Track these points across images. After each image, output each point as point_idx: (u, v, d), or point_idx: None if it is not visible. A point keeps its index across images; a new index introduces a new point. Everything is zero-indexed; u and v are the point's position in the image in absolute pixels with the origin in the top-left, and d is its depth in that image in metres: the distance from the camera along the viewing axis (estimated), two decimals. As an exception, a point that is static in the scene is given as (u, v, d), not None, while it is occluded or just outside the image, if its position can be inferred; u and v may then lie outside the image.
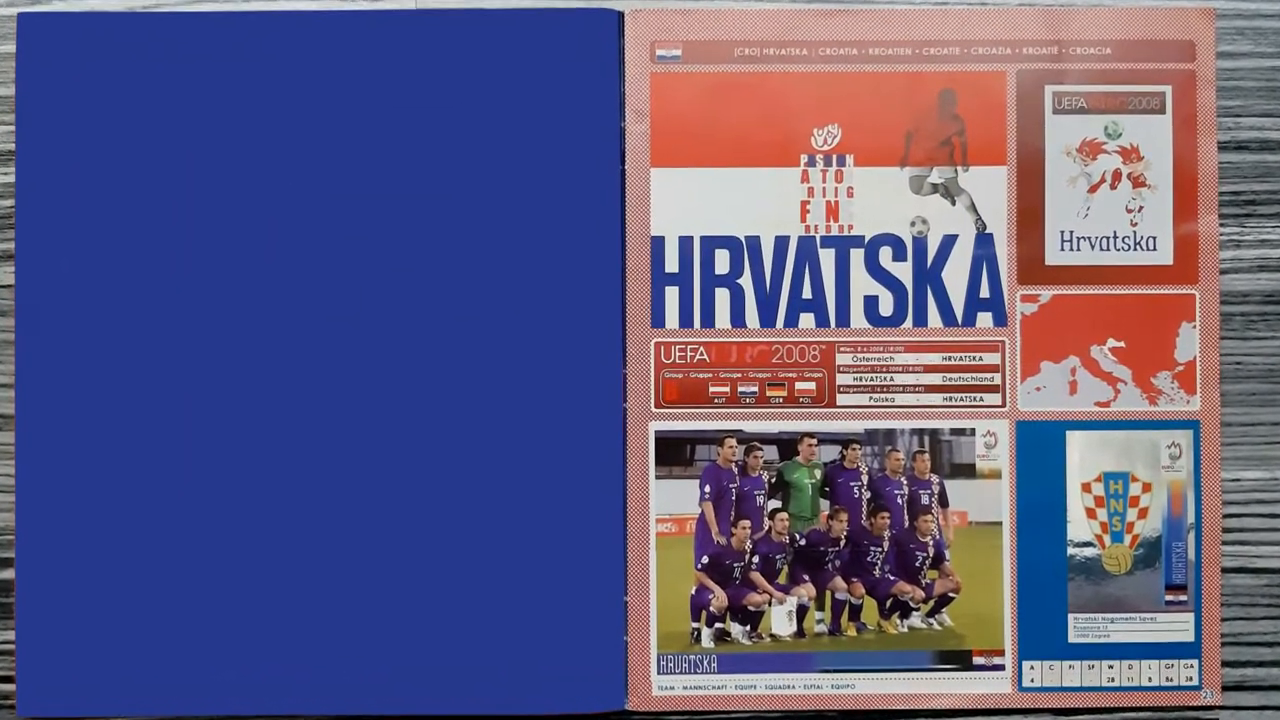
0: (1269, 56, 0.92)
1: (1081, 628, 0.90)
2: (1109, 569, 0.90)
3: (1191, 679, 0.90)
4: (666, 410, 0.89)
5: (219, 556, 0.88)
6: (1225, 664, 0.91)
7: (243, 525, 0.87)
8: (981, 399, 0.89)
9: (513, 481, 0.87)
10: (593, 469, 0.87)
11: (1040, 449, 0.90)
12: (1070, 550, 0.89)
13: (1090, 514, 0.90)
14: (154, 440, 0.88)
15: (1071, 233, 0.90)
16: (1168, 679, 0.90)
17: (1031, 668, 0.90)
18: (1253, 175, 0.91)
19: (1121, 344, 0.90)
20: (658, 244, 0.89)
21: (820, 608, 0.91)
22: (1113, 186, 0.90)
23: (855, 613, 0.91)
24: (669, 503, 0.89)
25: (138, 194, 0.88)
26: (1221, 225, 0.91)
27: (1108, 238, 0.90)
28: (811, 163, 0.89)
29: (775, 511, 0.91)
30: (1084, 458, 0.89)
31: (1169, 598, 0.90)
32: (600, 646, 0.88)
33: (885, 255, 0.90)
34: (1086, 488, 0.90)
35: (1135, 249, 0.90)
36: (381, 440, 0.87)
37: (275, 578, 0.88)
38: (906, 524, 0.91)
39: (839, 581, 0.91)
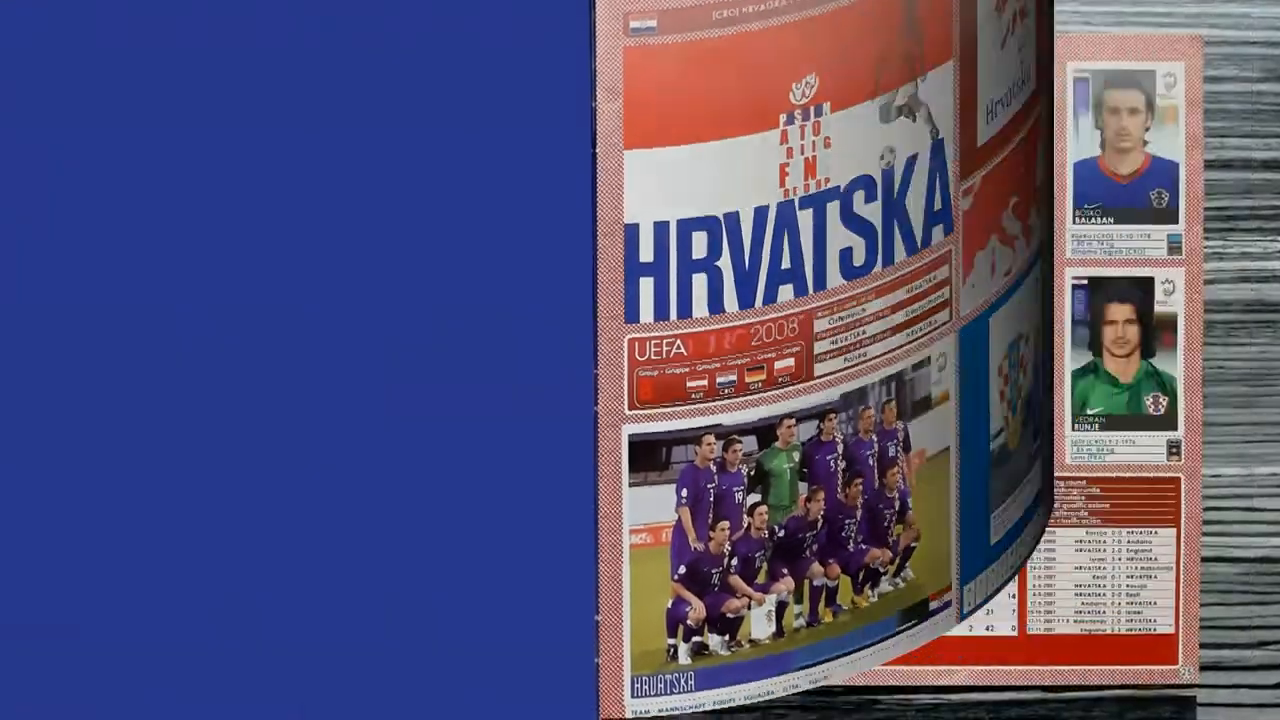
0: (1253, 81, 1.00)
1: (998, 524, 0.89)
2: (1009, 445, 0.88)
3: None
4: (641, 411, 0.86)
5: (167, 565, 0.86)
6: (1203, 646, 0.97)
7: (190, 520, 0.85)
8: (934, 321, 0.87)
9: (474, 492, 0.86)
10: (561, 478, 0.86)
11: (973, 351, 0.88)
12: (992, 445, 0.88)
13: (1001, 396, 0.88)
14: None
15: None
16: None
17: (969, 590, 0.89)
18: (1236, 192, 1.00)
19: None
20: (631, 232, 0.85)
21: (799, 600, 0.89)
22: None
23: (831, 596, 0.89)
24: (644, 512, 0.86)
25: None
26: (1205, 239, 0.97)
27: None
28: (790, 120, 0.85)
29: (754, 506, 0.88)
30: (999, 336, 0.88)
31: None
32: (570, 669, 0.87)
33: (859, 200, 0.86)
34: (1001, 371, 0.88)
35: None
36: (326, 446, 0.86)
37: (217, 586, 0.86)
38: (876, 484, 0.88)
39: (817, 568, 0.89)
